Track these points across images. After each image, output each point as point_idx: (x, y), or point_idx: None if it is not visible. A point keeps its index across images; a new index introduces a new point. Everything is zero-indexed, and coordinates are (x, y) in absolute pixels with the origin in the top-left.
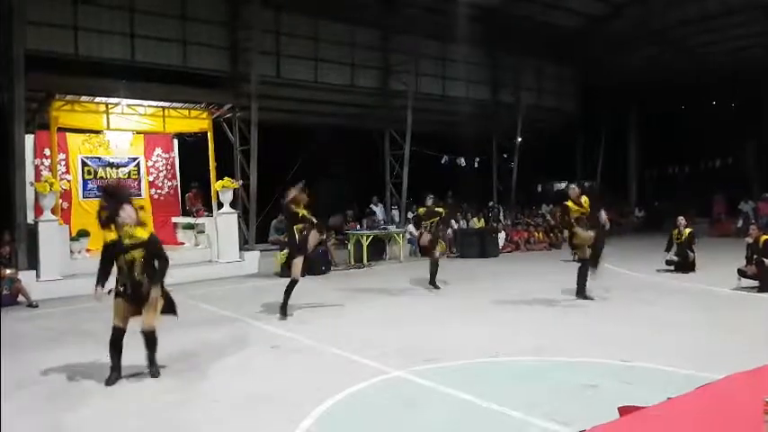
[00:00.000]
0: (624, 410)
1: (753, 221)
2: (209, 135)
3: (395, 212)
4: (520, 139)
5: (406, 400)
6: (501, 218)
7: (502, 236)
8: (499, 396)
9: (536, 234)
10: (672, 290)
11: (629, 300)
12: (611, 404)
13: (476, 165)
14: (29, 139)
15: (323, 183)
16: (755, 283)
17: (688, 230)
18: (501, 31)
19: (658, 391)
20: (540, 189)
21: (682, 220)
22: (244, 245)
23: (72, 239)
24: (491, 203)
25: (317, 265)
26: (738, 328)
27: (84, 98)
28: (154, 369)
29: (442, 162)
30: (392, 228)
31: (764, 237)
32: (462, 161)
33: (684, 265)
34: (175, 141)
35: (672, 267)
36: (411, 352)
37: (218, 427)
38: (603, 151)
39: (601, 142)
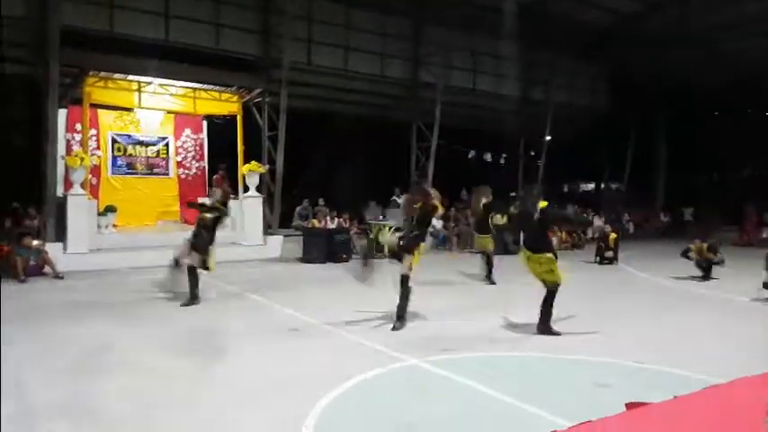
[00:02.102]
0: (631, 406)
1: None
2: (239, 118)
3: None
4: (549, 137)
5: (420, 387)
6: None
7: None
8: (511, 389)
9: (559, 234)
10: (691, 296)
11: (646, 304)
12: (621, 402)
13: (502, 161)
14: (61, 114)
15: (347, 171)
16: None
17: (705, 245)
18: (534, 27)
19: (668, 393)
20: (565, 189)
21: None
22: (267, 229)
23: (100, 214)
24: (517, 202)
25: (339, 252)
26: (753, 338)
27: (116, 75)
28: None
29: (469, 157)
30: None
31: None
32: (489, 157)
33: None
34: (204, 123)
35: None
36: (428, 341)
37: (237, 406)
38: (632, 153)
39: (629, 144)
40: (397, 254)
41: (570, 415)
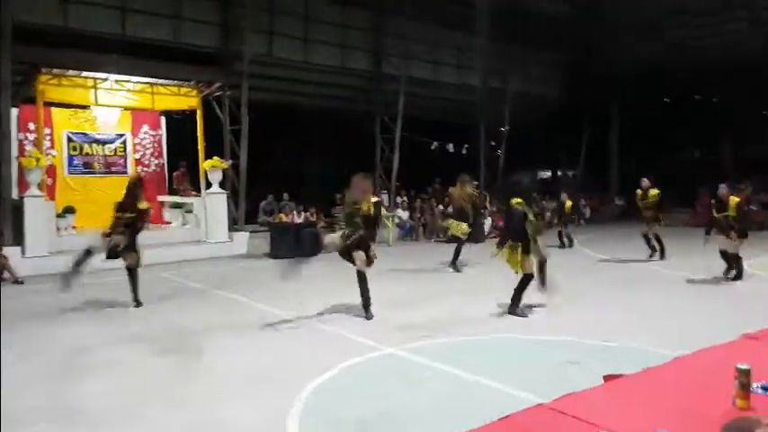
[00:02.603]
0: (608, 378)
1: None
2: (199, 113)
3: (384, 197)
4: (507, 127)
5: (399, 374)
6: (487, 204)
7: (488, 222)
8: (487, 371)
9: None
10: (647, 276)
11: (607, 285)
12: (592, 378)
13: (464, 151)
14: (13, 113)
15: (312, 164)
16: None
17: (655, 192)
18: (492, 18)
19: (635, 367)
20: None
21: (645, 181)
22: (233, 225)
23: (58, 216)
24: (478, 191)
25: (307, 246)
26: (706, 312)
27: (71, 72)
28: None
29: (432, 148)
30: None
31: (735, 199)
32: (451, 147)
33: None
34: (163, 119)
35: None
36: (404, 329)
37: (218, 401)
38: (587, 140)
39: (584, 131)
40: (346, 253)
41: (546, 393)
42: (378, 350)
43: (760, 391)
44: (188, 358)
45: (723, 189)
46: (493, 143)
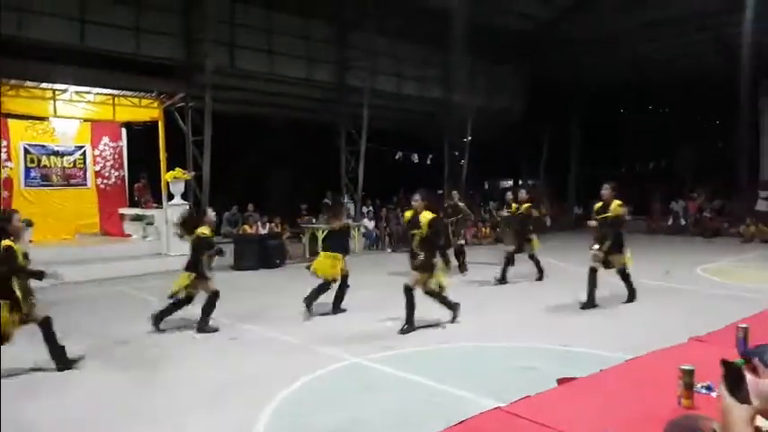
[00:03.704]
0: (562, 381)
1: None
2: (160, 124)
3: (350, 207)
4: (469, 138)
5: (363, 383)
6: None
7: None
8: (447, 378)
9: (483, 229)
10: (604, 282)
11: (567, 291)
12: (550, 383)
13: (428, 161)
14: None
15: (277, 175)
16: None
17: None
18: (454, 33)
19: (591, 370)
20: (487, 186)
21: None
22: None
23: None
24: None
25: (272, 258)
26: (660, 316)
27: (29, 83)
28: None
29: (396, 158)
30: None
31: (618, 202)
32: (416, 158)
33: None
34: (124, 130)
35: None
36: (367, 340)
37: (182, 414)
38: (547, 151)
39: (544, 142)
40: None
41: (507, 398)
42: (343, 360)
43: (703, 390)
44: (150, 372)
45: (606, 189)
46: (456, 153)
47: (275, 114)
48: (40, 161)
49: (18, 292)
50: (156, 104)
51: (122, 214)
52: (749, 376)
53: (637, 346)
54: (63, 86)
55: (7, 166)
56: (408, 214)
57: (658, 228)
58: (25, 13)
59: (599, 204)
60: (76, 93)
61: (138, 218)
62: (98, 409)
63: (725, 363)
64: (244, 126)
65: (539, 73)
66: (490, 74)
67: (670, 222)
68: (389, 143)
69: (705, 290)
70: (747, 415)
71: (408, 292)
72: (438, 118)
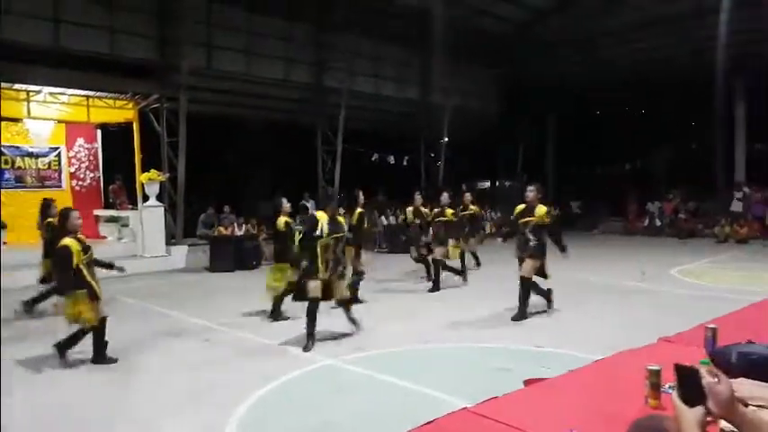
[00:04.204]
0: (529, 382)
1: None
2: (135, 126)
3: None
4: (446, 139)
5: (336, 385)
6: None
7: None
8: (420, 378)
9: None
10: (581, 284)
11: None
12: (521, 382)
13: (404, 163)
14: None
15: (254, 177)
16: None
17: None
18: (433, 35)
19: (564, 371)
20: (464, 187)
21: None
22: (170, 239)
23: None
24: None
25: (248, 259)
26: (636, 317)
27: (2, 84)
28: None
29: (372, 159)
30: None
31: (544, 209)
32: (392, 159)
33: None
34: (98, 132)
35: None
36: (340, 342)
37: (152, 417)
38: (523, 153)
39: (520, 144)
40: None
41: (475, 396)
42: (316, 362)
43: (671, 390)
44: (122, 374)
45: (531, 191)
46: (432, 155)
47: (252, 115)
48: (14, 162)
49: (93, 282)
50: (130, 105)
51: (97, 216)
52: (708, 378)
53: (611, 346)
54: (37, 87)
55: None
56: (520, 207)
57: (635, 229)
58: None
59: (522, 207)
60: (50, 94)
61: (112, 219)
62: (68, 412)
63: (677, 367)
64: (220, 127)
65: (515, 74)
66: (467, 75)
67: (646, 223)
68: (366, 144)
69: (679, 291)
70: (697, 418)
71: (527, 282)
72: (415, 119)
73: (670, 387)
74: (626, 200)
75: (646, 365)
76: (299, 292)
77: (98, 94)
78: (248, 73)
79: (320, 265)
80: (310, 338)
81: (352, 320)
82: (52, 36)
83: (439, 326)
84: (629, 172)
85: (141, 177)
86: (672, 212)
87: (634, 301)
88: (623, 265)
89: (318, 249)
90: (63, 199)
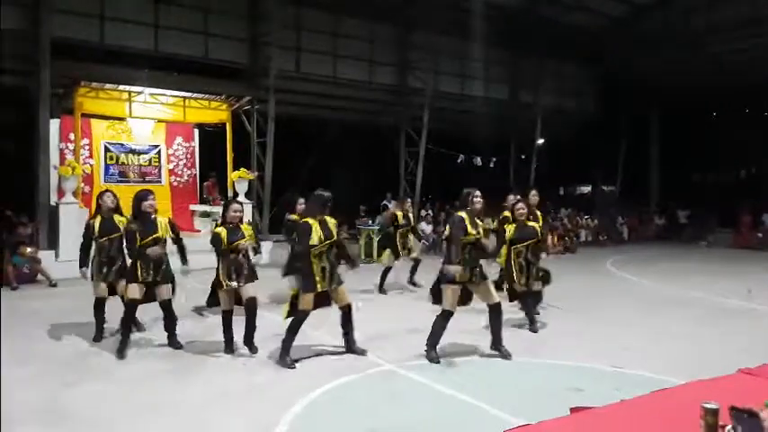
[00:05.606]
0: (575, 410)
1: None
2: (228, 126)
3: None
4: (540, 141)
5: (390, 392)
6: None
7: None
8: (481, 393)
9: (551, 238)
10: (680, 300)
11: (633, 308)
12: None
13: (491, 165)
14: (54, 124)
15: (337, 177)
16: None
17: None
18: (522, 32)
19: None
20: (562, 192)
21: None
22: (258, 235)
23: None
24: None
25: None
26: (735, 341)
27: (107, 86)
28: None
29: (458, 161)
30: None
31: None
32: (479, 161)
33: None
34: (196, 131)
35: None
36: (407, 347)
37: (207, 410)
38: (624, 155)
39: (621, 146)
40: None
41: (535, 417)
42: (378, 366)
43: None
44: (185, 370)
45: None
46: (523, 156)
47: (337, 116)
48: (118, 159)
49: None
50: (224, 107)
51: (193, 210)
52: None
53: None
54: (138, 89)
55: (89, 164)
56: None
57: (746, 242)
58: (105, 20)
59: (506, 214)
60: (151, 95)
61: (206, 214)
62: (130, 401)
63: (732, 410)
64: (306, 128)
65: (614, 71)
66: (561, 73)
67: (760, 236)
68: (451, 145)
69: None
70: None
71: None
72: (504, 119)
73: (732, 429)
74: (738, 210)
75: (702, 402)
76: (291, 306)
77: (194, 95)
78: (334, 75)
79: (316, 277)
80: (286, 353)
81: (347, 329)
82: (153, 41)
83: (513, 338)
84: (745, 179)
85: (232, 175)
86: None
87: (734, 322)
88: (728, 280)
89: (312, 259)
90: (162, 193)
